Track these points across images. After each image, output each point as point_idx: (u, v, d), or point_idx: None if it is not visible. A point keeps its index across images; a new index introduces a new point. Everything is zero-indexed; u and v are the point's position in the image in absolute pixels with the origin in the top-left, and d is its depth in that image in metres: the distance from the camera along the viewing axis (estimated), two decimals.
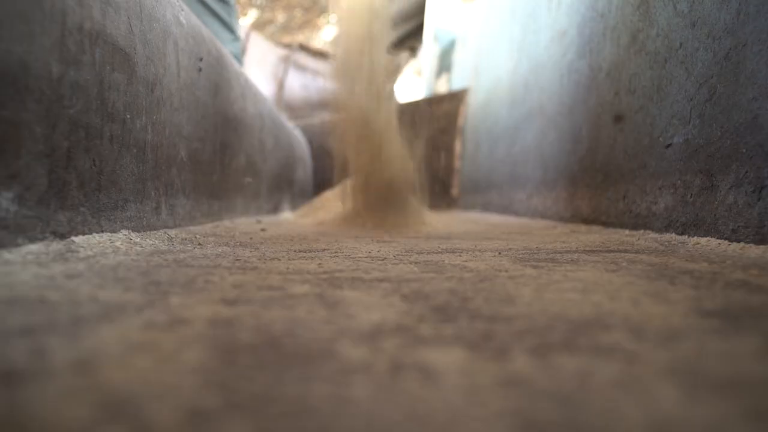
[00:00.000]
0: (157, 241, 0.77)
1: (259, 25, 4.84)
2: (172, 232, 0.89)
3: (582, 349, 0.30)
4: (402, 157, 1.13)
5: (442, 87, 4.86)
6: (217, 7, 2.09)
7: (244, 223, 1.39)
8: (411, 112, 3.66)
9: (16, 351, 0.27)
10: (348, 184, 1.09)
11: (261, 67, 4.47)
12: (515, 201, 2.19)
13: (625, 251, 0.79)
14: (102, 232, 0.70)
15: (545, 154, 1.87)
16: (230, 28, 2.18)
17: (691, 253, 0.75)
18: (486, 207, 2.70)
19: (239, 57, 2.22)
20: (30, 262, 0.49)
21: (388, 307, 0.40)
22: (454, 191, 3.62)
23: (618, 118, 1.24)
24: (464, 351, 0.30)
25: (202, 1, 1.99)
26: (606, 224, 1.31)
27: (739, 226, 0.83)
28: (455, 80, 4.26)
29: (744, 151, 0.83)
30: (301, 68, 4.86)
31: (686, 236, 0.95)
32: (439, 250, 0.79)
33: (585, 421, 0.22)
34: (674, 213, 1.02)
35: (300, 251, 0.75)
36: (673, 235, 0.99)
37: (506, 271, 0.59)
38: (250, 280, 0.49)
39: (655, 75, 1.13)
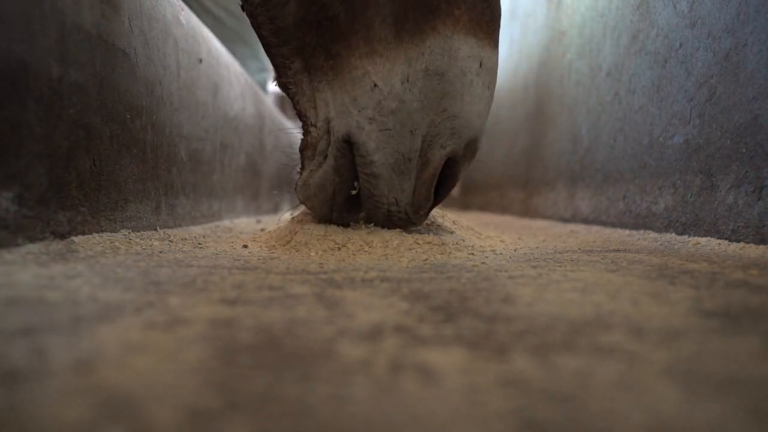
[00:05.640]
0: (156, 241, 0.77)
1: None
2: (172, 232, 0.89)
3: (582, 349, 0.30)
4: None
5: None
6: (249, 36, 2.10)
7: (244, 223, 1.39)
8: None
9: (16, 351, 0.27)
10: None
11: None
12: (515, 201, 2.19)
13: (625, 251, 0.79)
14: (102, 232, 0.70)
15: (545, 154, 1.87)
16: (258, 58, 2.19)
17: (691, 253, 0.75)
18: (485, 207, 2.70)
19: (265, 86, 2.23)
20: (30, 262, 0.49)
21: (388, 307, 0.40)
22: (454, 191, 3.61)
23: None
24: (464, 351, 0.30)
25: (235, 30, 2.00)
26: (606, 224, 1.31)
27: (739, 226, 0.83)
28: None
29: (744, 151, 0.83)
30: None
31: (686, 236, 0.95)
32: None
33: (585, 421, 0.22)
34: (674, 213, 1.02)
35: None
36: (673, 235, 0.99)
37: (506, 271, 0.58)
38: (250, 280, 0.49)
39: (655, 75, 1.13)
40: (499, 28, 0.73)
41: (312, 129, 0.76)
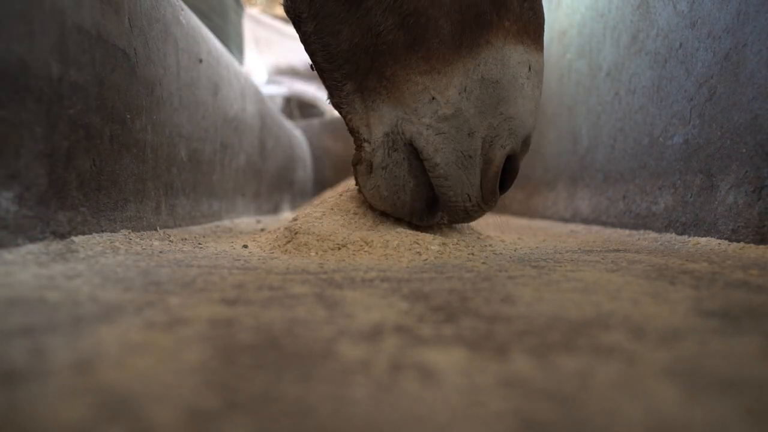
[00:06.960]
0: (157, 241, 0.77)
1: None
2: (172, 232, 0.89)
3: (582, 349, 0.30)
4: None
5: None
6: (217, 35, 2.11)
7: (244, 223, 1.39)
8: None
9: (16, 351, 0.27)
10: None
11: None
12: (515, 201, 2.19)
13: (625, 251, 0.79)
14: (102, 232, 0.70)
15: (545, 154, 1.87)
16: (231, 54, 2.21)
17: (691, 253, 0.75)
18: None
19: None
20: (30, 262, 0.49)
21: (388, 307, 0.40)
22: None
23: None
24: (464, 351, 0.30)
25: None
26: (606, 224, 1.31)
27: (739, 226, 0.83)
28: None
29: (744, 151, 0.83)
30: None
31: (686, 236, 0.95)
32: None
33: (585, 421, 0.22)
34: (674, 213, 1.02)
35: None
36: (673, 235, 0.99)
37: (506, 270, 0.59)
38: (250, 280, 0.49)
39: (655, 75, 1.13)
40: (543, 32, 0.77)
41: (365, 144, 0.80)
